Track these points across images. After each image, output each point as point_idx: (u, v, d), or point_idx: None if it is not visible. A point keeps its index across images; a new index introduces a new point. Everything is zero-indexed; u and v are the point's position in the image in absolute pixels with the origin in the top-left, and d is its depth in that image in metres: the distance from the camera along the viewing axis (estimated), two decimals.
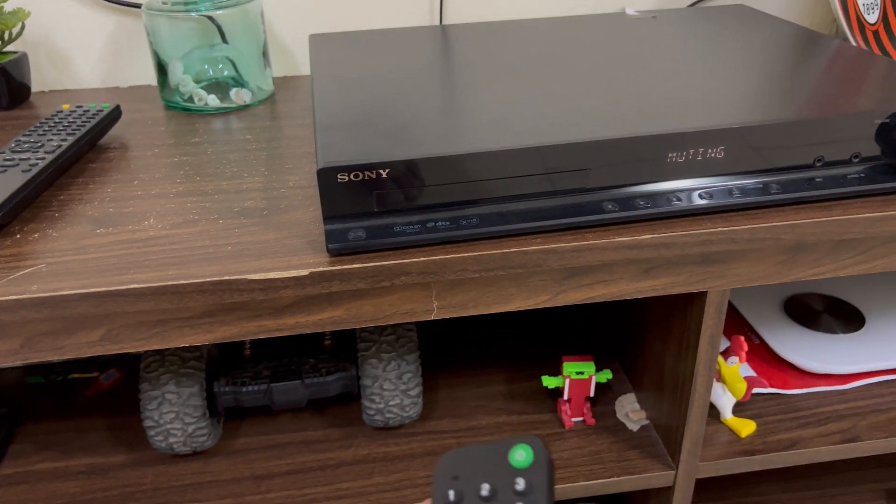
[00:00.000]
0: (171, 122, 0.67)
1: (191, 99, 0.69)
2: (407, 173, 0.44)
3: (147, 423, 0.57)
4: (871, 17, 0.74)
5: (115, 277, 0.43)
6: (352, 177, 0.43)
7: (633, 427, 0.65)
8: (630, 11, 0.76)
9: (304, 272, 0.43)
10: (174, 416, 0.57)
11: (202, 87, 0.69)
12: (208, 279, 0.43)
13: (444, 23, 0.81)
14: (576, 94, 0.52)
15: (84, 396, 0.69)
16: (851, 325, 0.71)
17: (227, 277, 0.43)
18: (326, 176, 0.43)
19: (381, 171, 0.43)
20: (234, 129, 0.65)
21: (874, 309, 0.74)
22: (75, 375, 0.71)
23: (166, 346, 0.46)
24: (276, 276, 0.43)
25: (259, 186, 0.54)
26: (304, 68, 0.82)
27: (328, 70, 0.60)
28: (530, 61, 0.60)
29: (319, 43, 0.68)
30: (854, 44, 0.72)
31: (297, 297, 0.45)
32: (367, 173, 0.43)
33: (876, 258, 0.51)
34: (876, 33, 0.74)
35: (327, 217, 0.44)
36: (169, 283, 0.43)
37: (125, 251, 0.46)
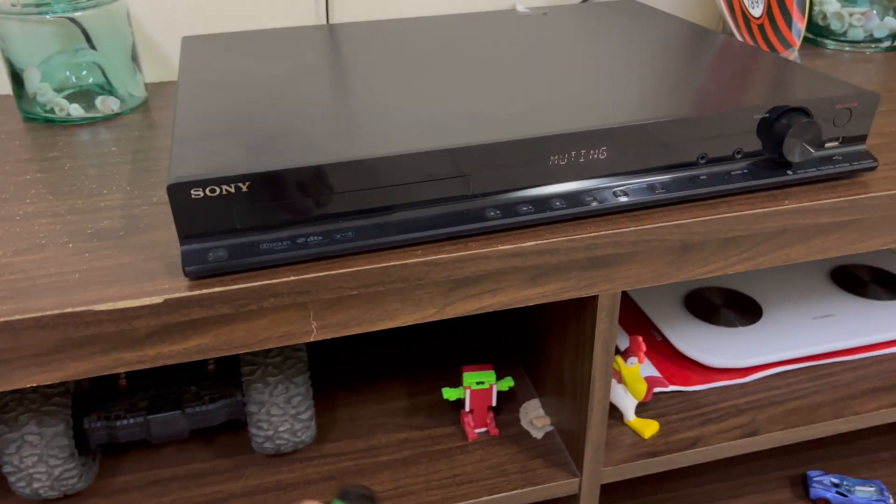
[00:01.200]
0: (29, 135, 0.62)
1: (52, 109, 0.64)
2: (270, 186, 0.40)
3: (6, 468, 0.52)
4: (756, 11, 0.74)
5: None
6: (207, 192, 0.39)
7: (538, 434, 0.63)
8: (521, 9, 0.75)
9: (159, 299, 0.39)
10: (37, 459, 0.52)
11: (66, 96, 0.64)
12: (48, 313, 0.38)
13: (331, 22, 0.78)
14: (458, 97, 0.50)
15: None
16: (749, 318, 0.72)
17: (69, 310, 0.39)
18: (179, 192, 0.39)
19: (241, 185, 0.40)
20: (100, 140, 0.60)
21: (771, 300, 0.75)
22: None
23: (10, 388, 0.41)
24: (127, 306, 0.39)
25: (118, 204, 0.49)
26: None
27: (197, 75, 0.56)
28: (415, 63, 0.57)
29: (192, 45, 0.64)
30: (739, 38, 0.72)
31: (154, 326, 0.41)
32: (224, 187, 0.40)
33: (762, 254, 0.50)
34: (761, 27, 0.75)
35: (184, 237, 0.40)
36: (1, 319, 0.38)
37: None
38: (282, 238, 0.42)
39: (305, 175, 0.41)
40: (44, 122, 0.64)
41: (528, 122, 0.45)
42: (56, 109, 0.63)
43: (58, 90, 0.64)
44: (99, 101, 0.64)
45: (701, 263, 0.49)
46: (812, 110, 0.48)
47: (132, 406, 0.56)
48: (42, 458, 0.52)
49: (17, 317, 0.38)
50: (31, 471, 0.52)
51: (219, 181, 0.39)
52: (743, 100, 0.49)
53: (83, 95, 0.65)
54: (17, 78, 0.64)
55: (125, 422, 0.55)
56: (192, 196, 0.39)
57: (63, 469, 0.53)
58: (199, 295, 0.40)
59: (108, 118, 0.65)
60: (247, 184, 0.40)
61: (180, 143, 0.43)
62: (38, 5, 0.61)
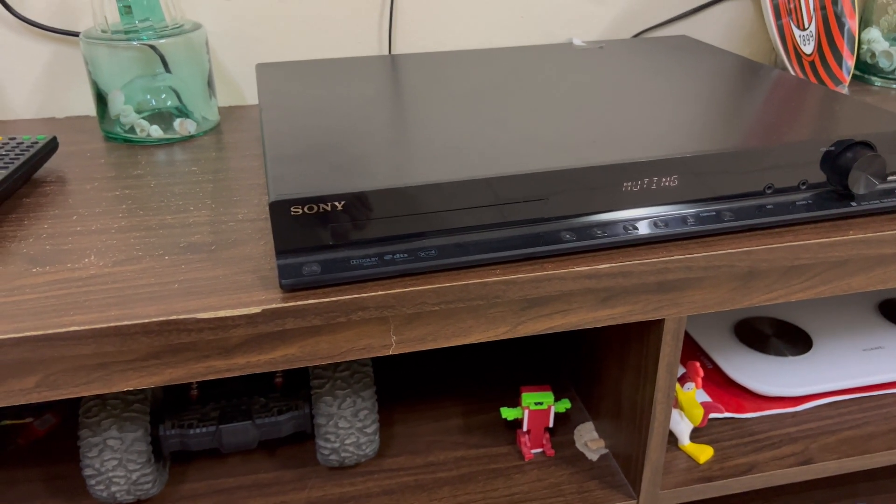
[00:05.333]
0: (112, 154, 0.65)
1: (132, 130, 0.67)
2: (363, 205, 0.43)
3: (87, 471, 0.54)
4: (807, 48, 0.76)
5: (53, 320, 0.41)
6: (306, 209, 0.42)
7: (593, 457, 0.64)
8: (577, 42, 0.77)
9: (257, 309, 0.42)
10: (117, 463, 0.54)
11: (144, 118, 0.67)
12: (154, 319, 0.41)
13: (393, 52, 0.81)
14: (529, 124, 0.52)
15: (16, 445, 0.65)
16: (800, 348, 0.73)
17: (174, 317, 0.41)
18: (279, 209, 0.41)
19: (336, 204, 0.42)
20: (179, 160, 0.63)
21: (820, 331, 0.75)
22: (7, 422, 0.67)
23: (108, 391, 0.43)
24: (227, 315, 0.41)
25: (206, 220, 0.52)
26: (251, 98, 0.80)
27: (277, 100, 0.59)
28: (482, 91, 0.60)
29: (267, 72, 0.67)
30: (793, 73, 0.74)
31: (248, 335, 0.43)
32: (321, 206, 0.42)
33: (825, 283, 0.52)
34: (812, 63, 0.77)
35: (280, 251, 0.43)
36: (112, 324, 0.40)
37: (64, 291, 0.44)
38: (370, 255, 0.44)
39: (395, 196, 0.43)
40: (123, 142, 0.67)
41: (602, 150, 0.47)
42: (137, 130, 0.66)
43: (137, 112, 0.67)
44: (177, 123, 0.67)
45: (765, 290, 0.51)
46: (876, 144, 0.50)
47: (204, 416, 0.58)
48: (122, 462, 0.54)
49: (126, 322, 0.40)
50: (110, 474, 0.54)
51: (317, 200, 0.42)
52: (807, 133, 0.50)
53: (160, 117, 0.68)
54: (101, 99, 0.67)
55: (198, 430, 0.57)
56: (292, 213, 0.42)
57: (140, 474, 0.55)
58: (294, 306, 0.42)
59: (185, 139, 0.68)
60: (342, 203, 0.42)
61: (274, 164, 0.46)
62: (126, 32, 0.65)
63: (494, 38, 0.83)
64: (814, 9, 0.77)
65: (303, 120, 0.54)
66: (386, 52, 0.81)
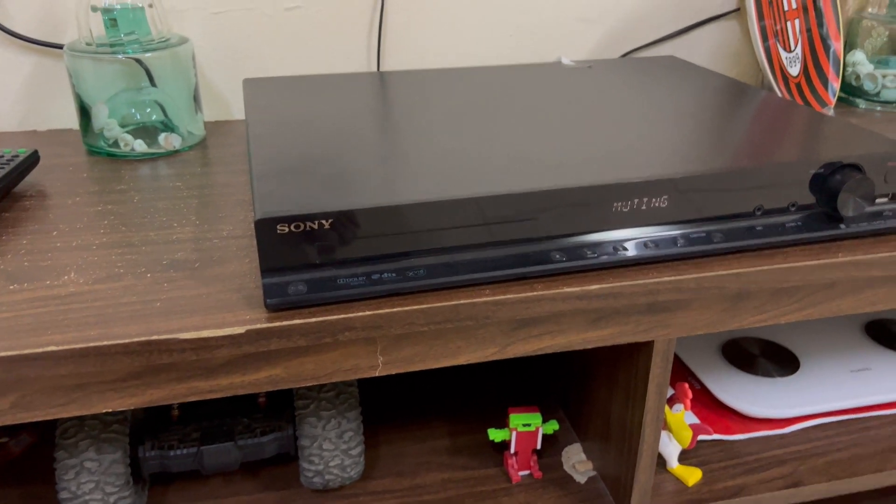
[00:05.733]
0: (95, 168, 0.64)
1: (116, 144, 0.66)
2: (351, 224, 0.42)
3: (63, 494, 0.52)
4: (794, 70, 0.77)
5: (30, 339, 0.40)
6: (292, 227, 0.41)
7: (581, 479, 0.63)
8: (566, 61, 0.77)
9: (241, 330, 0.41)
10: (94, 485, 0.52)
11: (128, 132, 0.66)
12: (135, 339, 0.40)
13: (381, 69, 0.80)
14: (518, 143, 0.52)
15: None
16: (787, 369, 0.73)
17: (155, 337, 0.40)
18: (265, 227, 0.41)
19: (324, 222, 0.41)
20: (163, 175, 0.62)
21: (808, 352, 0.75)
22: None
23: (86, 413, 0.42)
24: (210, 335, 0.40)
25: (190, 237, 0.51)
26: (237, 113, 0.79)
27: (264, 115, 0.58)
28: (470, 109, 0.60)
29: (254, 87, 0.66)
30: (779, 94, 0.75)
31: (232, 356, 0.42)
32: (308, 224, 0.41)
33: (814, 304, 0.51)
34: (798, 85, 0.77)
35: (265, 270, 0.42)
36: (91, 344, 0.39)
37: (42, 309, 0.42)
38: (358, 274, 0.43)
39: (384, 214, 0.42)
40: (106, 156, 0.66)
41: (592, 170, 0.47)
42: (121, 144, 0.65)
43: (121, 126, 0.66)
44: (162, 137, 0.66)
45: (754, 312, 0.50)
46: (865, 167, 0.50)
47: (185, 436, 0.57)
48: (99, 484, 0.52)
49: (106, 342, 0.39)
50: (87, 497, 0.52)
51: (304, 217, 0.41)
52: (796, 155, 0.50)
53: (144, 131, 0.67)
54: (84, 113, 0.66)
55: (178, 451, 0.56)
56: (278, 231, 0.41)
57: (118, 497, 0.53)
58: (279, 327, 0.41)
59: (169, 154, 0.67)
60: (329, 221, 0.41)
61: (261, 181, 0.45)
62: (111, 45, 0.64)
63: (483, 57, 0.83)
64: (800, 31, 0.77)
65: (290, 136, 0.53)
66: (374, 69, 0.80)
